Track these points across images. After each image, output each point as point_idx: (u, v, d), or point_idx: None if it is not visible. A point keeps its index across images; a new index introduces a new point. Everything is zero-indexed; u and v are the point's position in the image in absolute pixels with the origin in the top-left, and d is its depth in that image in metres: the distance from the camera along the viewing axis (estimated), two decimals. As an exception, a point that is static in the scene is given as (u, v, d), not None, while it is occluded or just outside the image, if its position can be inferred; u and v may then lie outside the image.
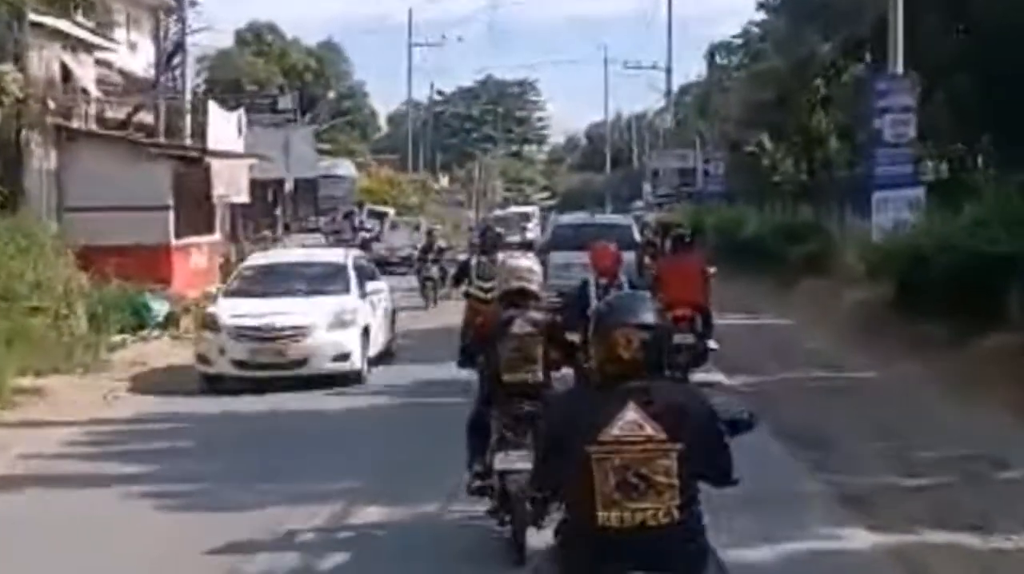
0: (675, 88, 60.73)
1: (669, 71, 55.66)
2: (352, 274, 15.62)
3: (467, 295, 13.03)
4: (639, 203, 55.75)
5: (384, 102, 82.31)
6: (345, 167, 44.93)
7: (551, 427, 3.91)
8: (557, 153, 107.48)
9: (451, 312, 18.96)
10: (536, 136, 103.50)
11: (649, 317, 3.82)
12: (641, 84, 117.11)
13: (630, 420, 3.70)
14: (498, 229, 14.93)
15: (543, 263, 17.96)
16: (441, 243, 26.07)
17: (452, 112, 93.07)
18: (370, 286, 15.69)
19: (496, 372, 7.13)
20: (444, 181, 73.59)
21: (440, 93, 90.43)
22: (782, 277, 23.91)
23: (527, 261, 7.60)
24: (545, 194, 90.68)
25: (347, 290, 15.25)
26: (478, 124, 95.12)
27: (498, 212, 45.45)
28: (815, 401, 11.53)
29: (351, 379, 14.31)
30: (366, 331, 14.91)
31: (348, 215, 37.83)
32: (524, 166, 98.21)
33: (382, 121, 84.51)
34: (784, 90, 30.46)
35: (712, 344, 12.38)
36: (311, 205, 40.73)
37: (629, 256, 16.66)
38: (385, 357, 15.95)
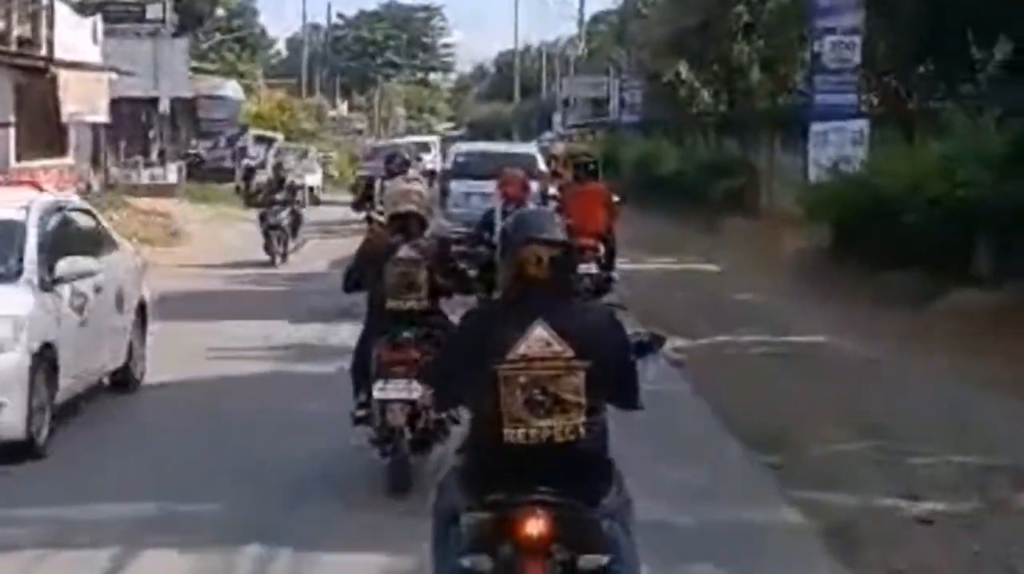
0: (587, 16, 61.23)
1: (582, -2, 52.81)
2: (32, 242, 8.55)
3: (369, 220, 12.76)
4: (549, 134, 54.38)
5: (282, 26, 79.36)
6: (231, 88, 42.25)
7: (458, 345, 3.95)
8: (464, 82, 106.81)
9: (306, 266, 18.15)
10: (442, 64, 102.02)
11: (558, 234, 3.87)
12: (553, 11, 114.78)
13: (539, 338, 3.75)
14: (404, 155, 14.37)
15: (444, 193, 17.75)
16: (295, 179, 21.81)
17: (354, 36, 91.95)
18: (79, 264, 8.72)
19: (380, 298, 7.14)
20: (343, 108, 71.39)
21: (340, 16, 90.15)
22: (705, 216, 23.15)
23: (417, 185, 7.65)
24: (450, 124, 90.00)
25: (13, 276, 8.37)
26: (381, 49, 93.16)
27: (394, 140, 43.14)
28: (763, 375, 9.95)
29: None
30: (45, 356, 8.08)
31: (231, 141, 36.03)
32: (429, 95, 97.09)
33: (281, 45, 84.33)
34: (705, 16, 29.61)
35: (615, 275, 12.34)
36: (192, 128, 38.76)
37: (533, 187, 15.97)
38: (118, 389, 9.70)
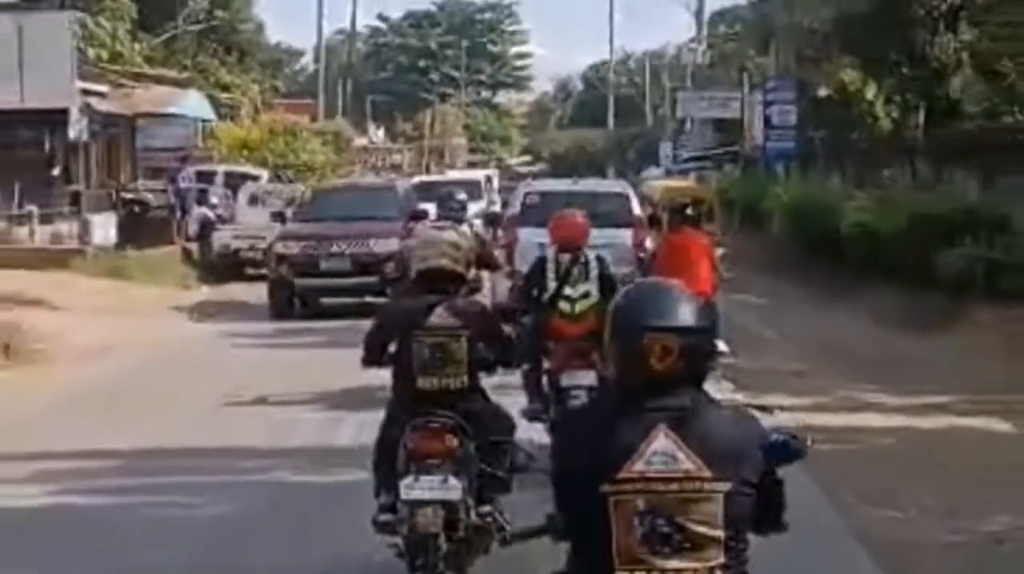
0: (707, 14, 62.60)
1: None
2: None
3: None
4: (655, 170, 55.44)
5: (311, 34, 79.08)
6: (191, 103, 39.05)
7: (557, 458, 4.04)
8: (543, 104, 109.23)
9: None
10: (515, 80, 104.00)
11: (690, 316, 3.93)
12: (656, 14, 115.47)
13: (662, 450, 3.84)
14: (460, 195, 14.61)
15: (509, 244, 19.53)
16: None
17: (399, 44, 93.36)
18: None
19: (409, 375, 7.54)
20: (379, 134, 72.39)
21: (382, 19, 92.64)
22: (929, 305, 19.68)
23: (451, 233, 8.13)
24: (525, 157, 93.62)
25: None
26: (434, 61, 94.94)
27: (424, 178, 40.85)
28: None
29: None
30: None
31: (173, 179, 33.10)
32: (498, 120, 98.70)
33: (309, 58, 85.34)
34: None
35: (721, 346, 12.95)
36: (133, 161, 36.26)
37: (623, 236, 19.19)
38: None
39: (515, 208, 22.32)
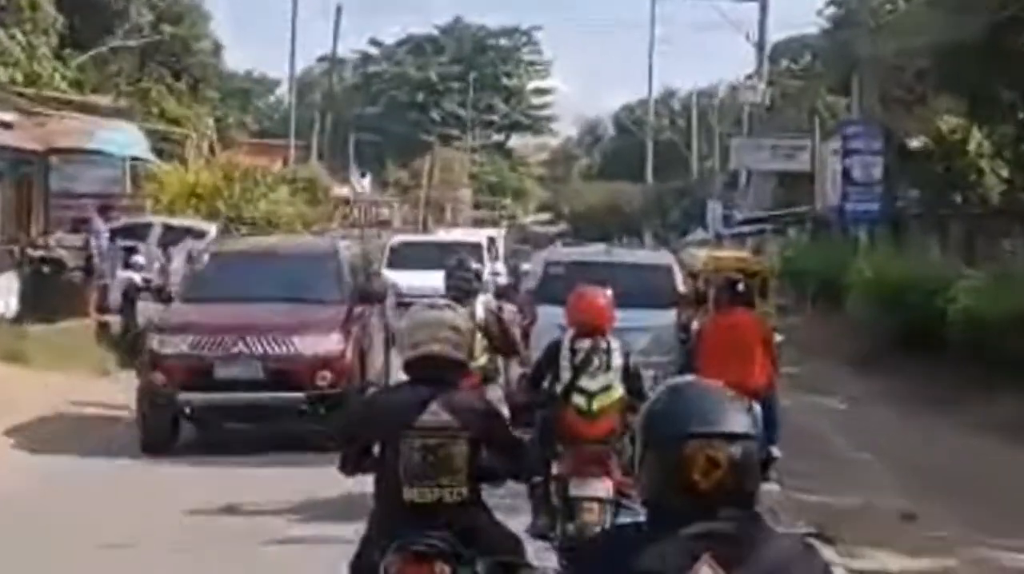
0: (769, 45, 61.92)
1: (764, 7, 56.04)
2: None
3: None
4: (701, 234, 57.22)
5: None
6: (118, 139, 38.67)
7: None
8: (566, 150, 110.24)
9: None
10: (533, 120, 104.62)
11: (740, 422, 4.05)
12: (705, 43, 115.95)
13: None
14: (474, 264, 14.61)
15: (529, 324, 20.05)
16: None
17: (394, 73, 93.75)
18: None
19: (394, 485, 7.65)
20: (364, 183, 72.60)
21: (376, 43, 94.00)
22: None
23: (449, 313, 8.24)
24: (543, 215, 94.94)
25: None
26: (437, 96, 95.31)
27: (405, 238, 42.33)
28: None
29: None
30: None
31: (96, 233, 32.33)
32: (512, 168, 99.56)
33: (285, 89, 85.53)
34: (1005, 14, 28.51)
35: (775, 452, 13.59)
36: (46, 209, 35.67)
37: (665, 319, 20.30)
38: None
39: (534, 280, 22.70)
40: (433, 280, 30.67)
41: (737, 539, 3.91)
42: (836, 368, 26.22)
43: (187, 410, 18.29)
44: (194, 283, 20.70)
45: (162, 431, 18.23)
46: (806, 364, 26.76)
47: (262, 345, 18.14)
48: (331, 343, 18.22)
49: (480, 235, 45.18)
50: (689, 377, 4.62)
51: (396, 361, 11.76)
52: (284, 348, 18.12)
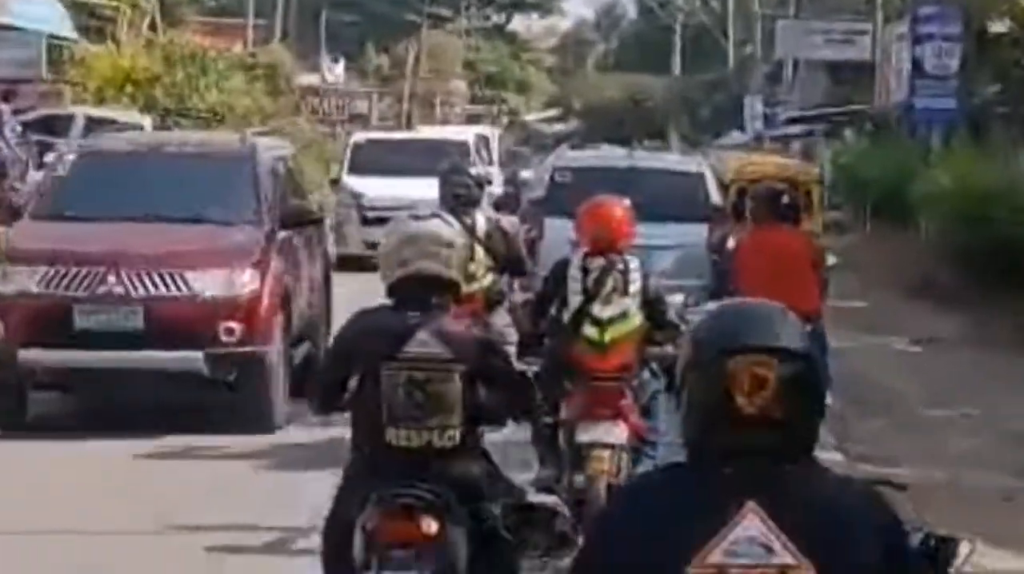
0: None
1: None
2: None
3: None
4: (738, 135, 57.07)
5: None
6: (39, 8, 39.53)
7: (596, 554, 4.23)
8: (579, 35, 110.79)
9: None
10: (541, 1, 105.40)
11: (794, 337, 4.08)
12: None
13: (750, 536, 3.93)
14: (474, 170, 15.53)
15: (533, 240, 20.86)
16: None
17: None
18: None
19: (375, 426, 7.70)
20: (337, 70, 72.43)
21: None
22: None
23: (439, 226, 8.22)
24: (551, 112, 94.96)
25: None
26: None
27: (371, 135, 40.65)
28: None
29: None
30: None
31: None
32: (513, 56, 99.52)
33: None
34: None
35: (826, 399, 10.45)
36: None
37: (695, 235, 20.23)
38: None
39: (540, 189, 22.82)
40: (405, 188, 28.87)
41: (788, 482, 3.90)
42: (905, 301, 25.76)
43: (30, 373, 15.37)
44: (51, 194, 17.46)
45: (4, 400, 15.58)
46: (867, 296, 26.40)
47: (142, 283, 14.99)
48: (241, 282, 15.11)
49: (467, 133, 43.87)
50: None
51: (345, 308, 11.52)
52: (174, 288, 15.06)
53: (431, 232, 8.03)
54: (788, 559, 3.88)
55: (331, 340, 8.10)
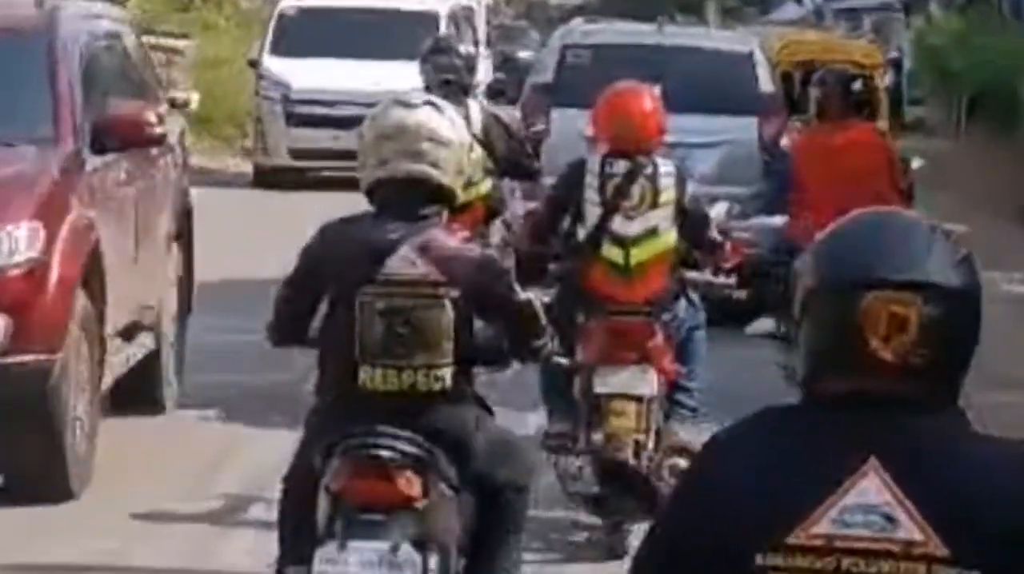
0: None
1: None
2: None
3: None
4: (794, 9, 56.34)
5: None
6: None
7: (676, 526, 4.28)
8: None
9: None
10: None
11: (945, 270, 4.04)
12: None
13: (868, 502, 3.95)
14: (464, 48, 15.93)
15: (537, 135, 20.78)
16: None
17: None
18: None
19: (346, 363, 7.83)
20: None
21: None
22: None
23: (428, 114, 8.31)
24: None
25: None
26: None
27: (298, 2, 37.18)
28: None
29: None
30: None
31: None
32: None
33: None
34: None
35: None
36: None
37: (743, 131, 20.36)
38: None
39: (546, 73, 23.13)
40: (348, 76, 29.66)
41: (923, 438, 3.83)
42: (1015, 227, 25.41)
43: None
44: None
45: None
46: (962, 219, 25.02)
47: None
48: (11, 244, 11.58)
49: (441, 2, 39.86)
50: (872, 210, 4.48)
51: (268, 247, 11.48)
52: None
53: (419, 122, 7.98)
54: (915, 534, 3.79)
55: (297, 262, 7.80)
